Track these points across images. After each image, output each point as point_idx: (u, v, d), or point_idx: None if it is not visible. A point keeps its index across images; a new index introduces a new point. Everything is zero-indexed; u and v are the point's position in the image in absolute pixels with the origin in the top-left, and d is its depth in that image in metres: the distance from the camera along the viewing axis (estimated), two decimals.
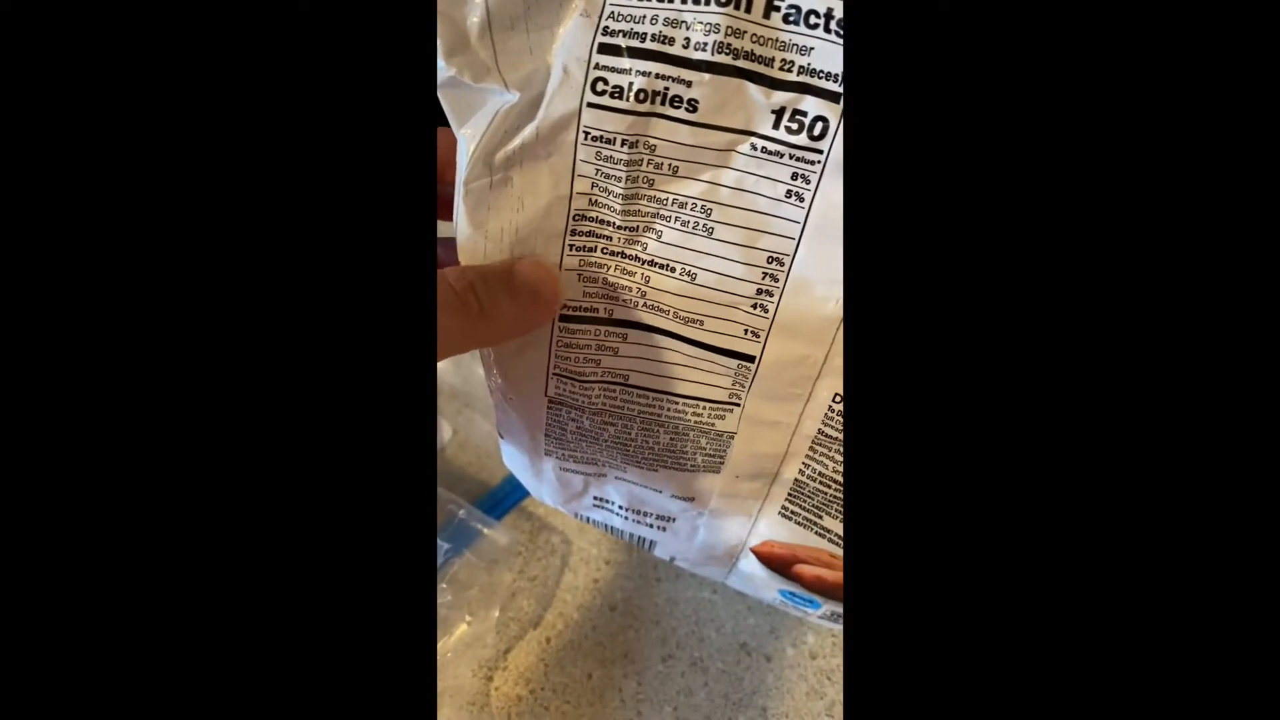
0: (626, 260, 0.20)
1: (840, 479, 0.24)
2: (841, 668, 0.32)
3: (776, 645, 0.33)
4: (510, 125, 0.18)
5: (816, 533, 0.25)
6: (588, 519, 0.29)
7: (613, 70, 0.18)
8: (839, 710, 0.31)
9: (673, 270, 0.20)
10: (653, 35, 0.17)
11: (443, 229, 0.26)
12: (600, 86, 0.18)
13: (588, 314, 0.21)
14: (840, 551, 0.26)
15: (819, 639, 0.33)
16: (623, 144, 0.18)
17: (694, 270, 0.20)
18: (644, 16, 0.17)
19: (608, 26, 0.17)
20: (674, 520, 0.27)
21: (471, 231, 0.20)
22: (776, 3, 0.17)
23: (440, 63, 0.18)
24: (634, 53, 0.17)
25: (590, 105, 0.18)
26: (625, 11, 0.17)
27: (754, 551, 0.28)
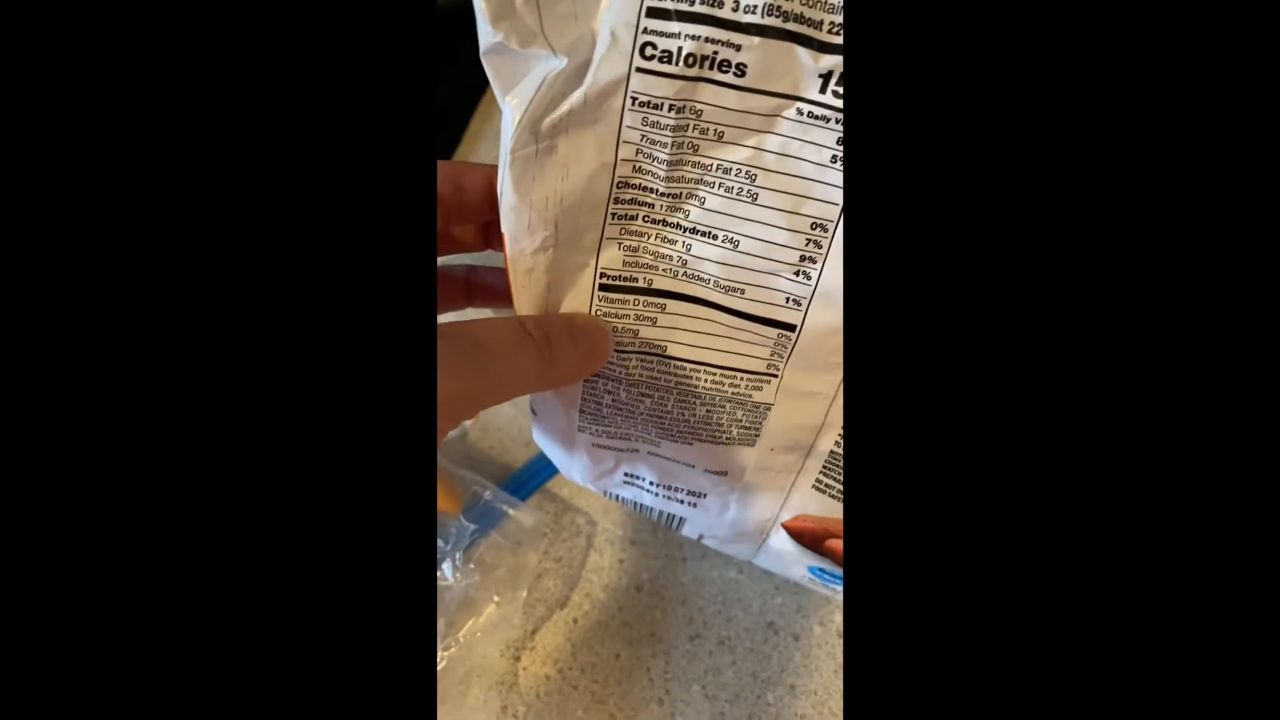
0: (668, 228, 0.20)
1: None
2: None
3: (804, 624, 0.33)
4: (557, 91, 0.18)
5: None
6: (617, 496, 0.29)
7: (661, 34, 0.17)
8: None
9: (715, 238, 0.20)
10: None
11: (491, 259, 0.27)
12: (649, 51, 0.18)
13: (627, 283, 0.21)
14: None
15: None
16: (670, 109, 0.18)
17: (736, 237, 0.20)
18: None
19: None
20: (705, 496, 0.27)
21: (516, 201, 0.20)
22: None
23: (485, 28, 0.18)
24: (683, 16, 0.17)
25: (639, 70, 0.18)
26: None
27: (785, 527, 0.28)
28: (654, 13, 0.17)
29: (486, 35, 0.18)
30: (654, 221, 0.20)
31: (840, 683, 0.31)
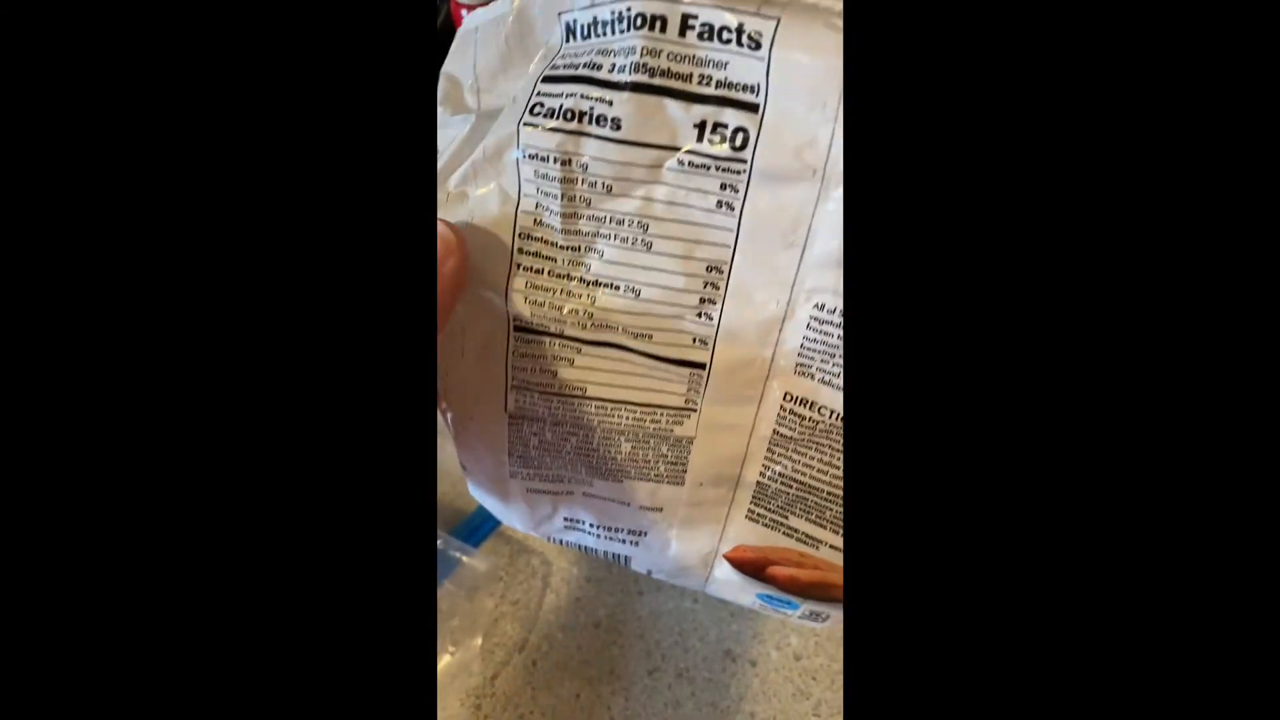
0: (572, 282, 0.21)
1: (800, 478, 0.24)
2: (825, 668, 0.32)
3: (761, 649, 0.33)
4: (464, 147, 0.20)
5: (784, 533, 0.26)
6: (562, 541, 0.30)
7: (549, 95, 0.19)
8: (824, 709, 0.31)
9: (617, 288, 0.20)
10: (585, 64, 0.19)
11: None
12: (536, 109, 0.19)
13: (539, 329, 0.22)
14: (809, 550, 0.26)
15: (802, 640, 0.33)
16: (555, 161, 0.19)
17: (638, 286, 0.20)
18: (585, 50, 0.19)
19: (556, 63, 0.19)
20: (645, 534, 0.28)
21: None
22: (690, 21, 0.17)
23: (440, 111, 0.21)
24: (568, 79, 0.19)
25: (525, 124, 0.19)
26: (572, 49, 0.19)
27: (726, 558, 0.28)
28: (548, 79, 0.19)
29: (441, 118, 0.21)
30: (558, 276, 0.21)
31: (798, 707, 0.31)
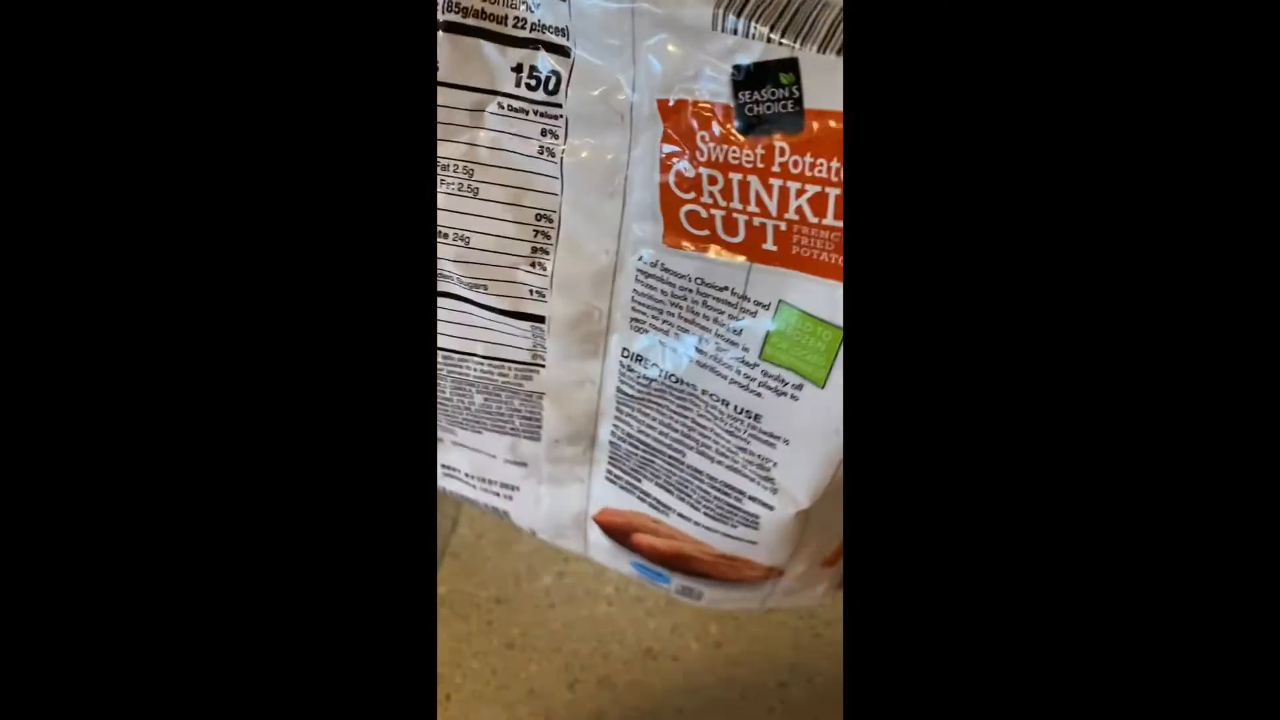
0: None
1: (645, 440, 0.24)
2: (747, 651, 0.32)
3: (680, 643, 0.32)
4: None
5: (639, 497, 0.25)
6: (445, 490, 0.29)
7: None
8: (753, 693, 0.30)
9: (446, 236, 0.20)
10: None
11: None
12: None
13: None
14: (660, 516, 0.26)
15: (721, 627, 0.32)
16: None
17: (467, 234, 0.20)
18: None
19: None
20: (518, 488, 0.27)
21: None
22: None
23: None
24: None
25: None
26: None
27: (595, 520, 0.27)
28: None
29: None
30: None
31: (725, 696, 0.30)
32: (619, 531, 0.26)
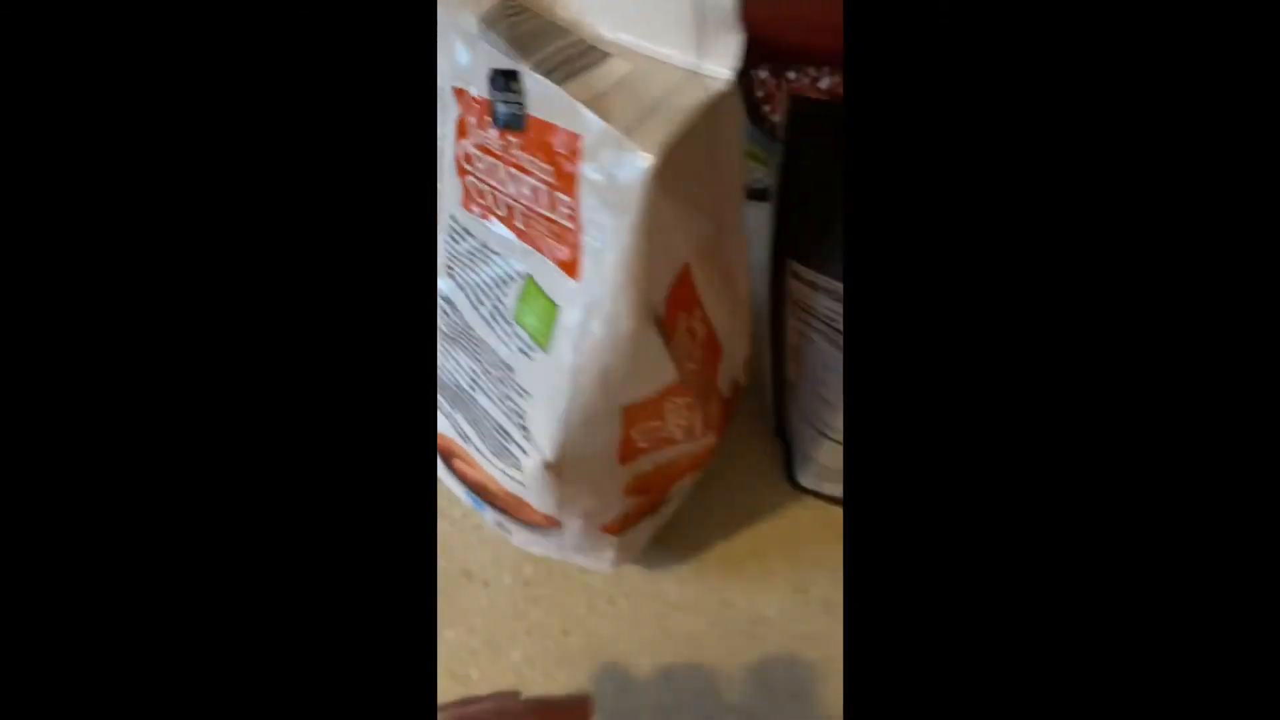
0: None
1: (456, 377, 0.28)
2: (547, 598, 0.35)
3: (495, 573, 0.36)
4: None
5: (452, 425, 0.29)
6: None
7: None
8: (538, 631, 0.34)
9: None
10: None
11: None
12: None
13: None
14: (463, 445, 0.29)
15: (536, 569, 0.36)
16: None
17: None
18: None
19: None
20: None
21: None
22: None
23: None
24: None
25: None
26: None
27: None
28: None
29: None
30: None
31: (517, 625, 0.34)
32: (445, 454, 0.30)
